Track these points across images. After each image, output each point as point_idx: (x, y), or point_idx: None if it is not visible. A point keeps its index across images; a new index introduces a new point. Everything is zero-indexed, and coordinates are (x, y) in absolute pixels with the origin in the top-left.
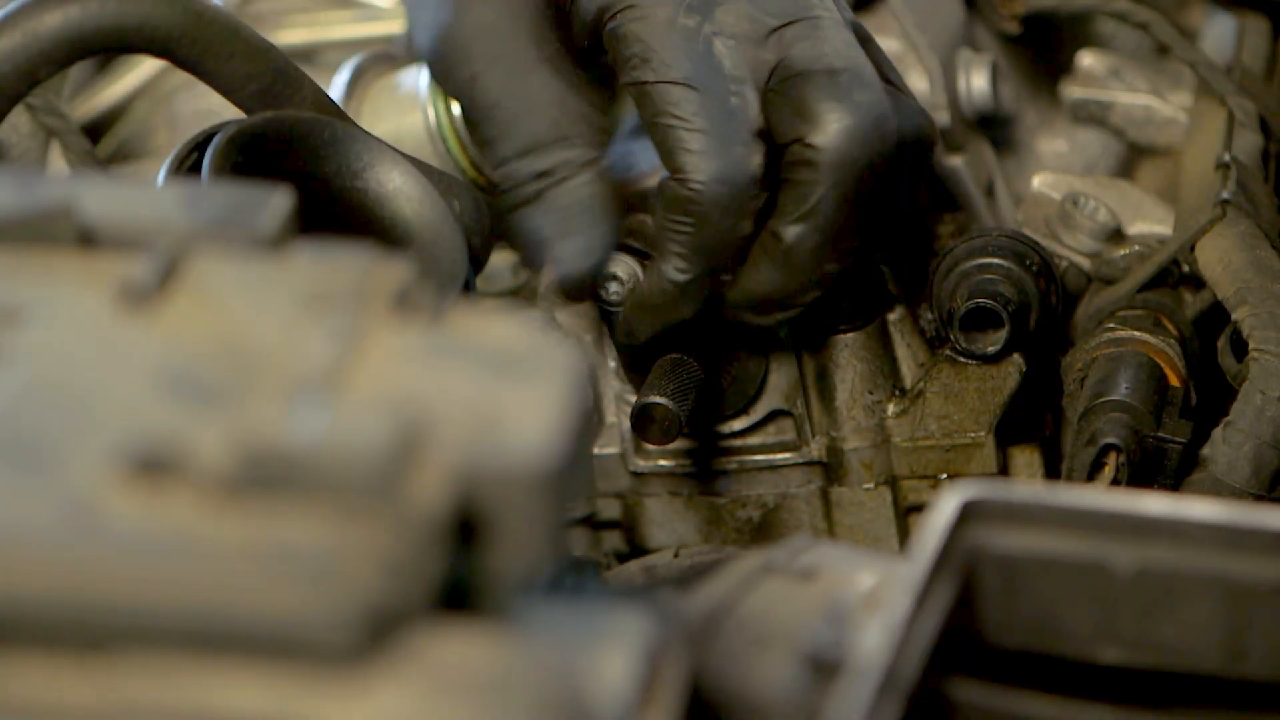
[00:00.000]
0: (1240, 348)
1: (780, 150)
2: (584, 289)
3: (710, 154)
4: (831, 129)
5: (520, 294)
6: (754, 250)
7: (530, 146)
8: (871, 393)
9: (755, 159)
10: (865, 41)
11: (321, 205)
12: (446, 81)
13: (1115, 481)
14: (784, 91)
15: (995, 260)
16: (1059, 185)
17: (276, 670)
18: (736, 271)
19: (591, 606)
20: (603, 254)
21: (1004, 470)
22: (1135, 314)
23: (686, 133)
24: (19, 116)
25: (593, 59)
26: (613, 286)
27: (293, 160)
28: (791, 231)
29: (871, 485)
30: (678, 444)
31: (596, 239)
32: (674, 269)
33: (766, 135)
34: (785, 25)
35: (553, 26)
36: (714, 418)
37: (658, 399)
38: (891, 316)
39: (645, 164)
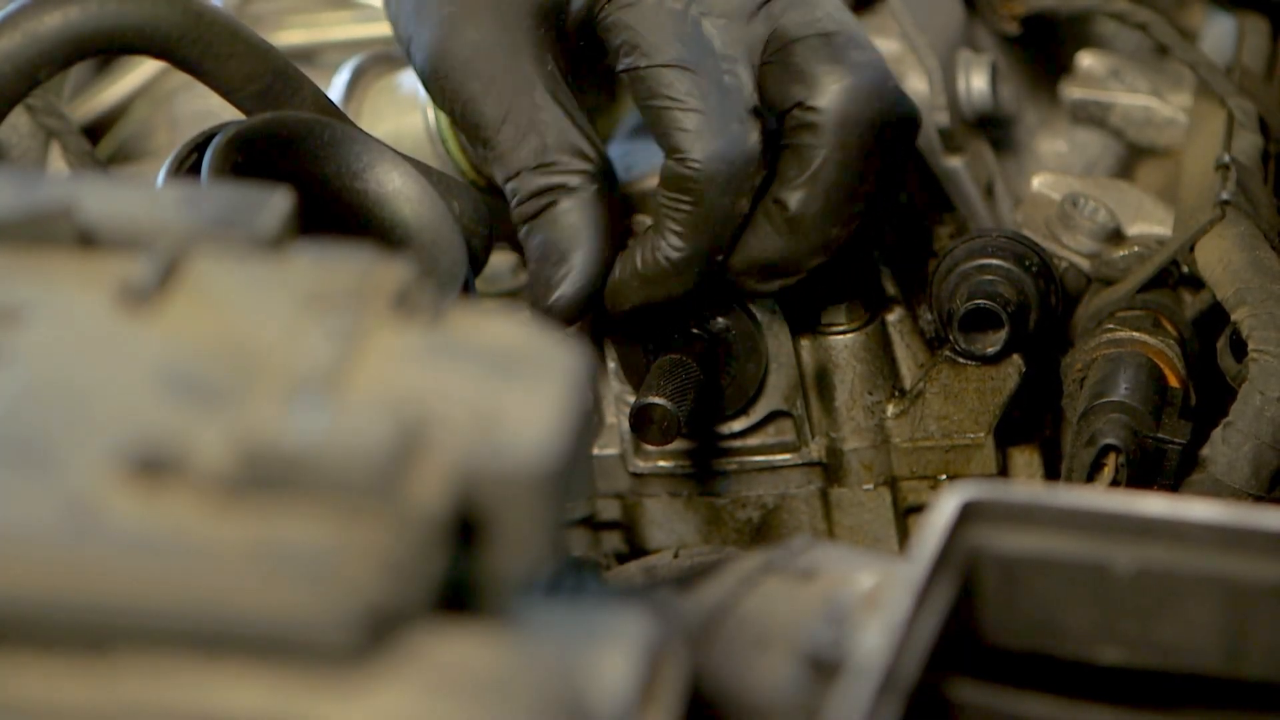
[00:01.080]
0: (1240, 348)
1: (779, 121)
2: (586, 307)
3: (707, 132)
4: (831, 89)
5: (520, 294)
6: (757, 217)
7: (535, 162)
8: (871, 393)
9: (753, 136)
10: None
11: (321, 206)
12: (446, 101)
13: (1115, 482)
14: (780, 60)
15: (995, 261)
16: (1059, 186)
17: (276, 670)
18: (731, 250)
19: (591, 606)
20: (599, 273)
21: (1004, 471)
22: (1135, 314)
23: (682, 113)
24: (19, 116)
25: (586, 64)
26: None
27: (293, 161)
28: (796, 197)
29: (871, 486)
30: (677, 444)
31: (594, 258)
32: (670, 246)
33: (764, 111)
34: None
35: (546, 41)
36: (714, 418)
37: (656, 399)
38: (891, 317)
39: (645, 164)
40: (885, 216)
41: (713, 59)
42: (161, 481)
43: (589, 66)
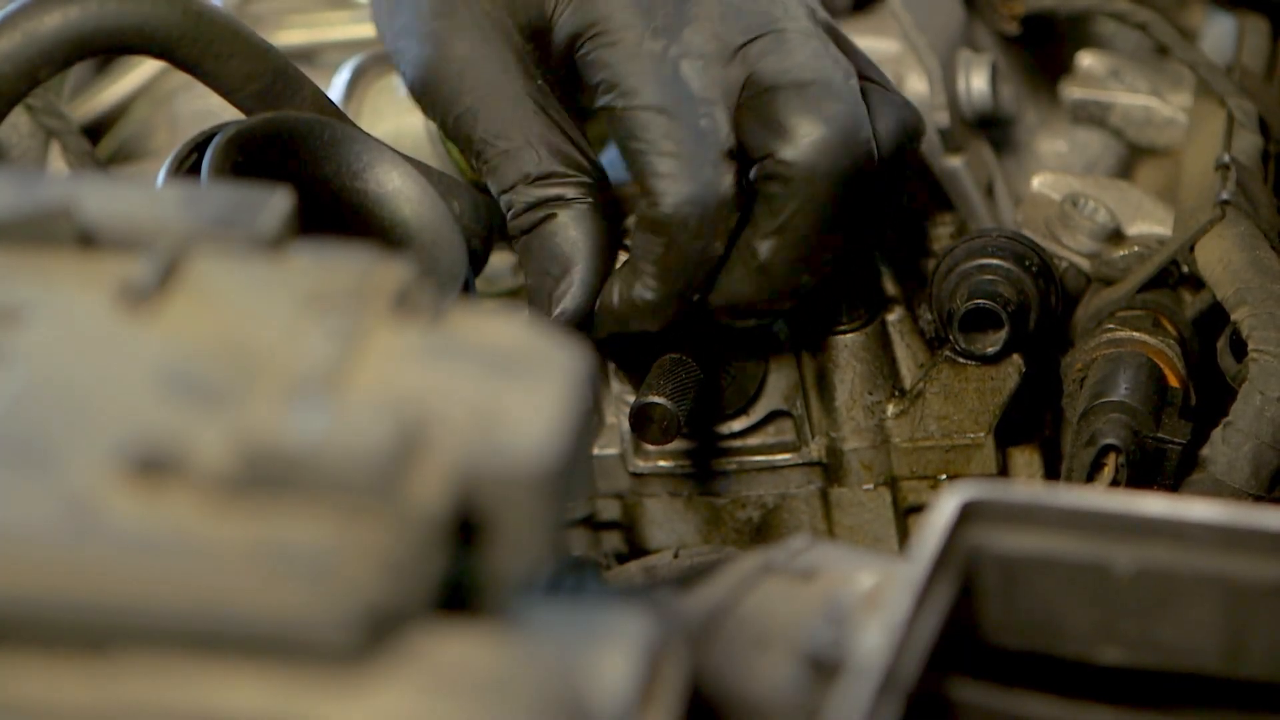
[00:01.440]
0: (1240, 348)
1: (754, 165)
2: (588, 320)
3: (680, 177)
4: (802, 143)
5: (520, 294)
6: (732, 259)
7: (530, 176)
8: (871, 393)
9: (726, 180)
10: (836, 38)
11: (321, 205)
12: (440, 115)
13: (1115, 482)
14: (754, 107)
15: (995, 261)
16: (1059, 185)
17: (276, 670)
18: (708, 287)
19: (591, 606)
20: (599, 284)
21: (1004, 471)
22: (1135, 314)
23: (656, 157)
24: (19, 116)
25: (571, 87)
26: None
27: (293, 160)
28: (765, 246)
29: (871, 486)
30: (677, 444)
31: (594, 270)
32: (644, 287)
33: (739, 152)
34: (751, 41)
35: (532, 57)
36: (714, 418)
37: (656, 399)
38: (891, 317)
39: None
40: (886, 219)
41: (690, 102)
42: (161, 481)
43: (572, 90)
